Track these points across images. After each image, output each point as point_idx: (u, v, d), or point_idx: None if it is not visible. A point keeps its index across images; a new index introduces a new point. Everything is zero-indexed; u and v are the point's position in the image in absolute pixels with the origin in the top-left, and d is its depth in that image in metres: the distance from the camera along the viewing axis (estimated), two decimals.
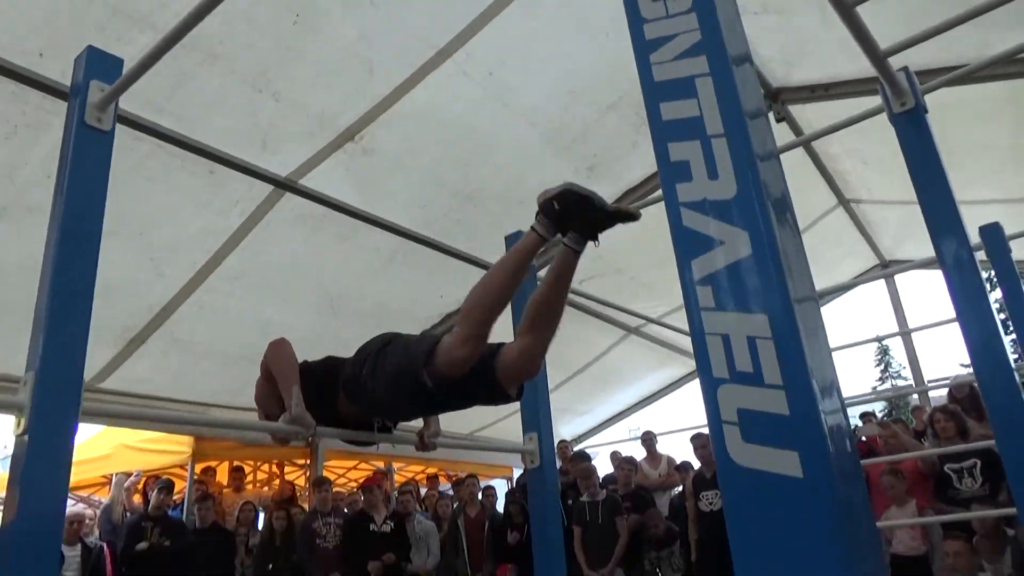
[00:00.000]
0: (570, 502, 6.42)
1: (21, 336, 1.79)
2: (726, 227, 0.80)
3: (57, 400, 1.43)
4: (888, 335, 12.62)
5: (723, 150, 0.83)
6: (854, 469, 0.78)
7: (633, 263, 7.08)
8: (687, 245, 0.84)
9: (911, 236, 8.41)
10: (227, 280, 5.37)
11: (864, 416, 8.33)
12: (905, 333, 9.44)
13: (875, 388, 32.86)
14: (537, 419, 3.09)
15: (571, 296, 7.66)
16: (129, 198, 4.38)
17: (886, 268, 9.63)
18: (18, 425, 1.47)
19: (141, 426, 6.59)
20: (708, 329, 0.80)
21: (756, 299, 0.77)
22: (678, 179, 0.85)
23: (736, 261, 0.79)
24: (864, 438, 5.69)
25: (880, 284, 9.93)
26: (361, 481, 10.20)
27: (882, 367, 37.47)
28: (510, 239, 3.68)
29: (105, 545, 6.30)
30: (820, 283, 8.97)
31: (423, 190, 5.38)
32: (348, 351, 7.73)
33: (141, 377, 5.93)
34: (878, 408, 27.99)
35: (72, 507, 6.25)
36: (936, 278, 2.55)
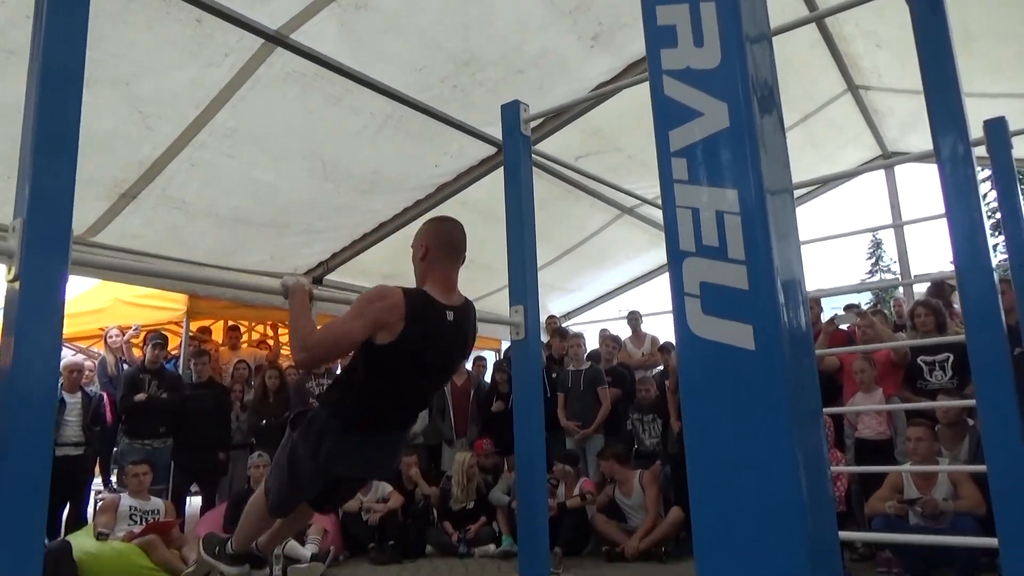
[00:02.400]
0: (554, 375, 6.63)
1: (9, 184, 1.77)
2: (706, 98, 0.78)
3: (46, 246, 1.43)
4: (880, 227, 12.62)
5: (711, 16, 0.79)
6: (806, 348, 0.81)
7: (632, 141, 6.96)
8: (666, 114, 0.82)
9: (916, 128, 8.25)
10: (218, 137, 5.28)
11: (848, 307, 8.50)
12: (897, 226, 9.46)
13: (864, 280, 33.34)
14: (524, 293, 3.12)
15: (565, 172, 7.57)
16: (112, 45, 4.22)
17: (888, 159, 9.53)
18: (9, 271, 1.48)
19: (134, 281, 6.66)
20: (679, 202, 0.80)
21: (729, 174, 0.76)
22: (663, 44, 0.82)
23: (713, 134, 0.78)
24: (844, 327, 5.80)
25: (880, 176, 9.84)
26: None
27: (873, 260, 37.79)
28: (506, 109, 3.59)
29: (105, 394, 6.53)
30: (820, 170, 8.93)
31: (419, 53, 5.18)
32: (342, 216, 7.76)
33: (134, 233, 5.94)
34: (865, 300, 28.47)
35: (72, 357, 6.42)
36: (935, 174, 2.53)
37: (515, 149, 3.53)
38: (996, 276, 2.45)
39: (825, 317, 6.40)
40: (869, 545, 4.85)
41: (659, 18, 0.81)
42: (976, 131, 3.41)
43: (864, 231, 6.52)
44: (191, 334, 7.32)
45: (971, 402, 3.68)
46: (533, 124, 7.00)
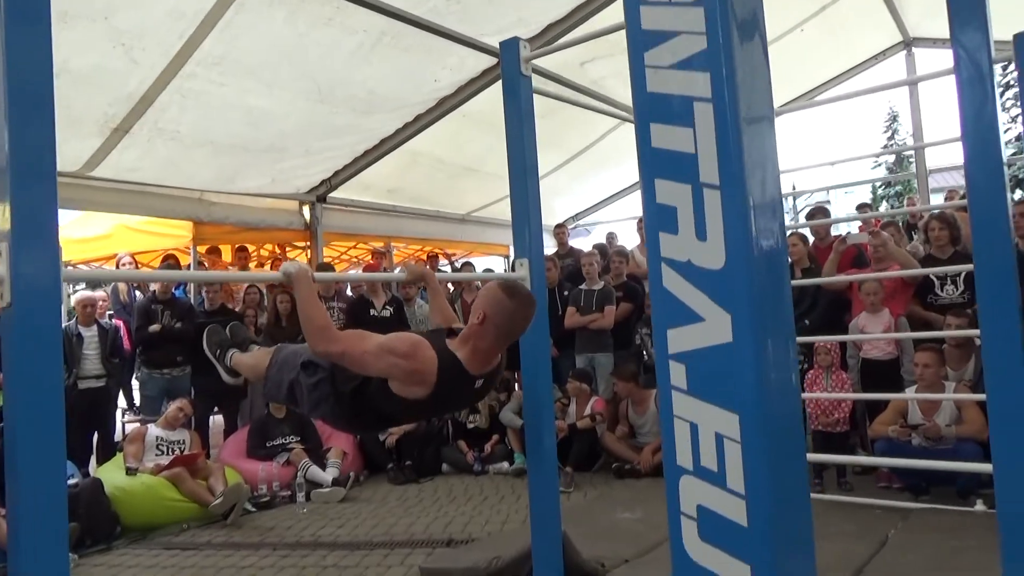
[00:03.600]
0: (566, 292, 6.63)
1: None
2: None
3: (33, 182, 1.38)
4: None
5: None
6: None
7: None
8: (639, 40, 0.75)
9: (939, 13, 7.79)
10: (206, 67, 5.08)
11: (860, 207, 8.36)
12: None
13: (879, 155, 32.55)
14: (528, 247, 3.06)
15: (569, 79, 7.23)
16: None
17: (908, 47, 9.15)
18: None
19: (133, 211, 6.62)
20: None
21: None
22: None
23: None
24: (856, 245, 5.70)
25: (900, 59, 9.46)
26: (361, 261, 10.49)
27: (889, 134, 36.71)
28: (506, 48, 3.39)
29: (120, 324, 6.62)
30: (841, 60, 8.56)
31: None
32: (341, 137, 7.57)
33: (131, 166, 5.84)
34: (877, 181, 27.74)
35: (84, 292, 6.46)
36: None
37: (516, 92, 3.37)
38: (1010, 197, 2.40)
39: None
40: None
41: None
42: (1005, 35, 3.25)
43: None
44: (199, 257, 7.32)
45: (975, 332, 3.69)
46: (534, 33, 6.63)
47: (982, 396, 3.36)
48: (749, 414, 0.69)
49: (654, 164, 0.76)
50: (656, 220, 0.77)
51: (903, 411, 4.56)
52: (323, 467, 5.61)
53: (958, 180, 15.41)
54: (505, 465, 5.98)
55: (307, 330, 2.29)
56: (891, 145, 36.21)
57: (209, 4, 4.59)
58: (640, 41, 0.76)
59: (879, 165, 32.09)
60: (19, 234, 1.37)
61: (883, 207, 27.45)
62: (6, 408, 1.40)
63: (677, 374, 0.75)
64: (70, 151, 5.33)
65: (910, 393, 4.54)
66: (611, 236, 9.32)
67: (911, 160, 20.50)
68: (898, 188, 29.95)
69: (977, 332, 3.52)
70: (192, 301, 6.95)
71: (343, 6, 5.01)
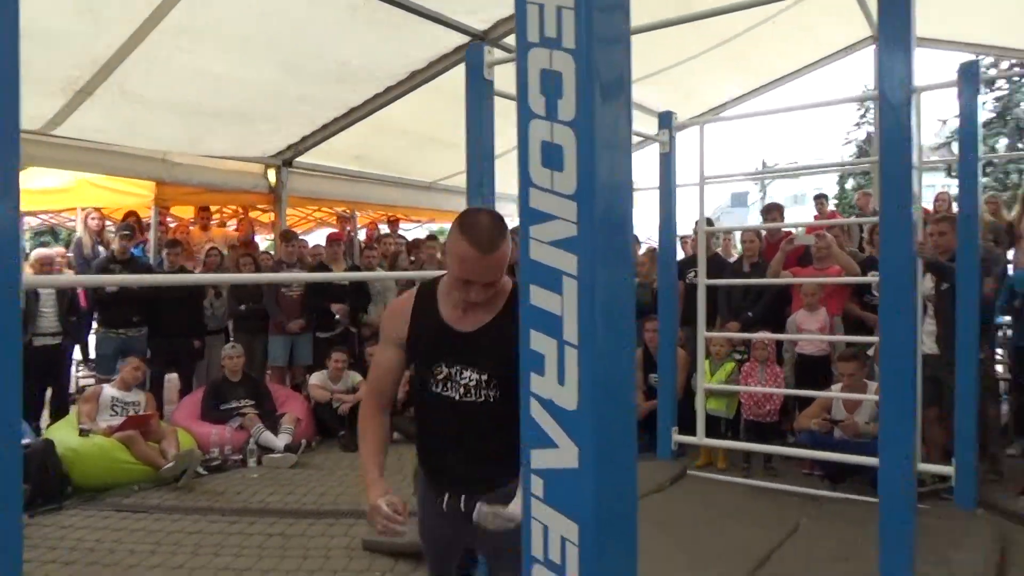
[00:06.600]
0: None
1: None
2: None
3: None
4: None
5: None
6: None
7: None
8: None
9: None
10: (173, 35, 5.05)
11: (817, 198, 8.62)
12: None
13: (848, 133, 32.94)
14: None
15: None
16: None
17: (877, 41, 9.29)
18: None
19: (94, 169, 6.58)
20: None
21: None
22: None
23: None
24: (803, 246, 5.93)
25: (869, 52, 9.64)
26: (325, 222, 10.49)
27: (862, 112, 37.01)
28: (471, 52, 3.54)
29: None
30: (810, 49, 8.68)
31: None
32: (310, 108, 7.55)
33: (95, 127, 5.81)
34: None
35: (42, 250, 6.45)
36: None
37: (479, 93, 3.57)
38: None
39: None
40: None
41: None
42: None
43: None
44: (159, 219, 7.31)
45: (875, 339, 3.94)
46: (508, 14, 6.66)
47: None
48: (586, 526, 0.89)
49: (530, 317, 0.94)
50: (528, 362, 0.94)
51: (827, 406, 4.86)
52: (276, 432, 5.76)
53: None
54: None
55: None
56: (863, 124, 36.67)
57: None
58: (527, 217, 0.95)
59: (850, 143, 32.60)
60: None
61: (850, 183, 28.02)
62: None
63: (536, 486, 0.94)
64: (33, 108, 5.30)
65: (835, 391, 4.82)
66: None
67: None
68: (866, 167, 30.55)
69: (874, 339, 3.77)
70: (152, 261, 6.97)
71: None
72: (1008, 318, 5.50)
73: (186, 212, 8.22)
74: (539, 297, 0.93)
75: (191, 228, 8.03)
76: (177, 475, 5.00)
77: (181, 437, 5.40)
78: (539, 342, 0.93)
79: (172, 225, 8.31)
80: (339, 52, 5.91)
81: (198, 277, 5.91)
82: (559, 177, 0.92)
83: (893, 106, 2.47)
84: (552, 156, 0.93)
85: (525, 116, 0.95)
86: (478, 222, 1.73)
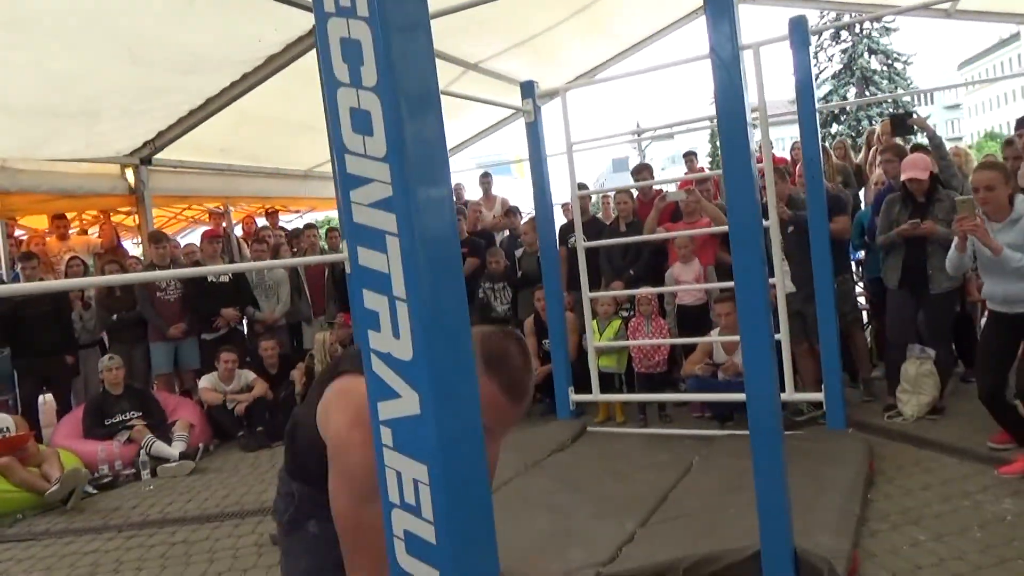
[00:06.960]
0: None
1: None
2: None
3: None
4: None
5: None
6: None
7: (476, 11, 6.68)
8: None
9: None
10: None
11: (687, 156, 8.99)
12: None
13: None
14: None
15: None
16: None
17: None
18: None
19: None
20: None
21: None
22: None
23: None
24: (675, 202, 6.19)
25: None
26: (198, 220, 10.05)
27: None
28: None
29: None
30: (663, 17, 9.00)
31: None
32: (161, 98, 7.22)
33: None
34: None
35: None
36: None
37: None
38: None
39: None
40: None
41: None
42: None
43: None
44: (7, 232, 6.79)
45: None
46: None
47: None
48: (434, 464, 0.96)
49: (360, 277, 0.98)
50: (364, 320, 0.98)
51: (709, 351, 5.15)
52: (169, 441, 5.55)
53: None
54: None
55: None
56: None
57: None
58: (346, 182, 0.98)
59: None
60: None
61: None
62: None
63: (386, 435, 0.99)
64: None
65: (714, 336, 5.12)
66: (459, 187, 9.40)
67: None
68: None
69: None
70: (4, 278, 6.49)
71: None
72: (863, 253, 5.99)
73: (39, 222, 7.65)
74: (366, 257, 0.98)
75: (47, 238, 7.50)
76: (64, 497, 4.74)
77: (64, 458, 5.10)
78: (372, 300, 0.97)
79: (24, 237, 7.73)
80: (186, 39, 5.62)
81: (64, 283, 5.54)
82: (370, 142, 0.96)
83: (724, 62, 2.62)
84: (361, 121, 0.97)
85: (332, 85, 0.99)
86: (508, 353, 1.32)
